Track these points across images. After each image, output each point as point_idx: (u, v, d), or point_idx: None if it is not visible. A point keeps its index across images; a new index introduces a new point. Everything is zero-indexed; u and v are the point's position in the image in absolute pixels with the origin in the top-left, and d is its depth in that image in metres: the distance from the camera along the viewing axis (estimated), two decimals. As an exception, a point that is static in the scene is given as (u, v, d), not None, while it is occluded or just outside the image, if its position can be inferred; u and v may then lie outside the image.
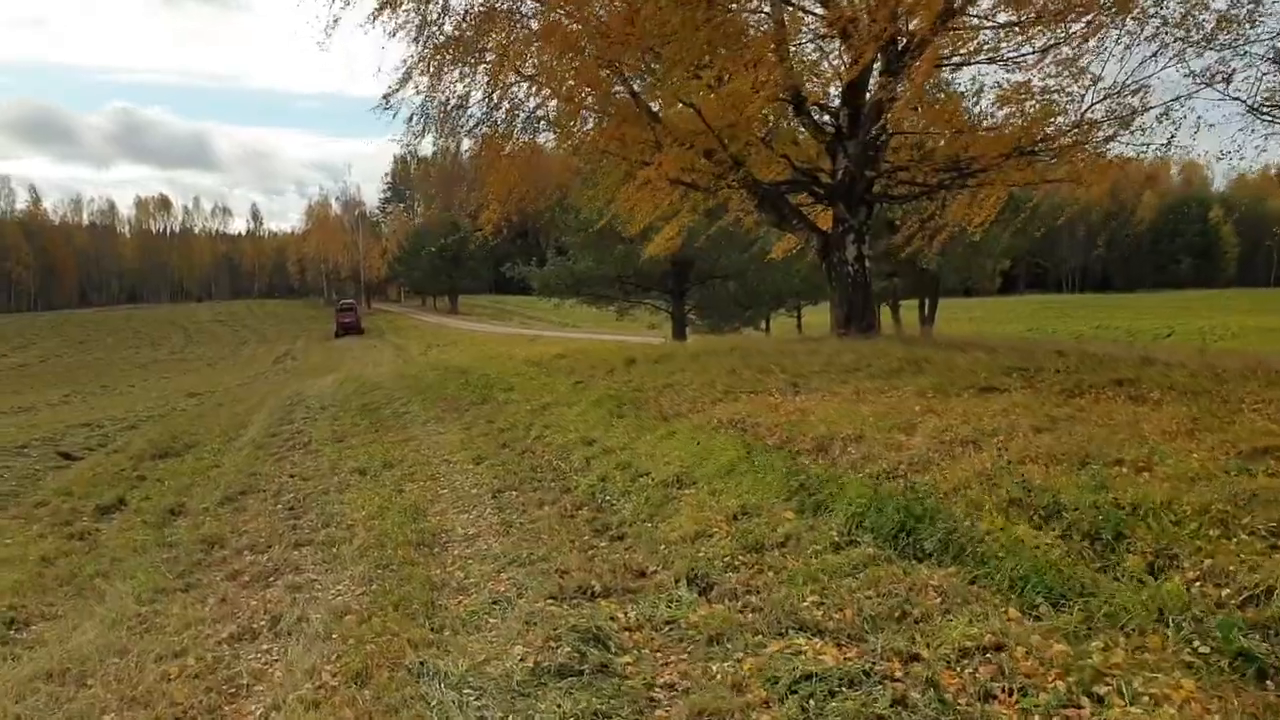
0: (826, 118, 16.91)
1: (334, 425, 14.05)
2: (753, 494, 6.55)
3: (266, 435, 14.43)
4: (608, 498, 7.36)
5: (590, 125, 16.29)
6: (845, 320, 16.64)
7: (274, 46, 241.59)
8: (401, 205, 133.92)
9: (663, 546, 5.90)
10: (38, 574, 7.35)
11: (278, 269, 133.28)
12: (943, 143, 16.50)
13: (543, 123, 17.08)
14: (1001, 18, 14.46)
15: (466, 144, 16.90)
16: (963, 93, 17.69)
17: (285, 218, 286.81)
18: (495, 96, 16.93)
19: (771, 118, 15.98)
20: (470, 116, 16.97)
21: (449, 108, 16.56)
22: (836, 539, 5.59)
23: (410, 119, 16.39)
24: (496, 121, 17.13)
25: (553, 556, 5.99)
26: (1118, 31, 14.46)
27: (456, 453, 10.37)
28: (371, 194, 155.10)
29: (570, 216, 30.87)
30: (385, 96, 16.88)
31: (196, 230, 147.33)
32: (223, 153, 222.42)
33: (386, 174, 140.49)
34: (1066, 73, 14.99)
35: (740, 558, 5.52)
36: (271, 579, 6.48)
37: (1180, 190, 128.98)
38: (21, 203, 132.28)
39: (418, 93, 16.59)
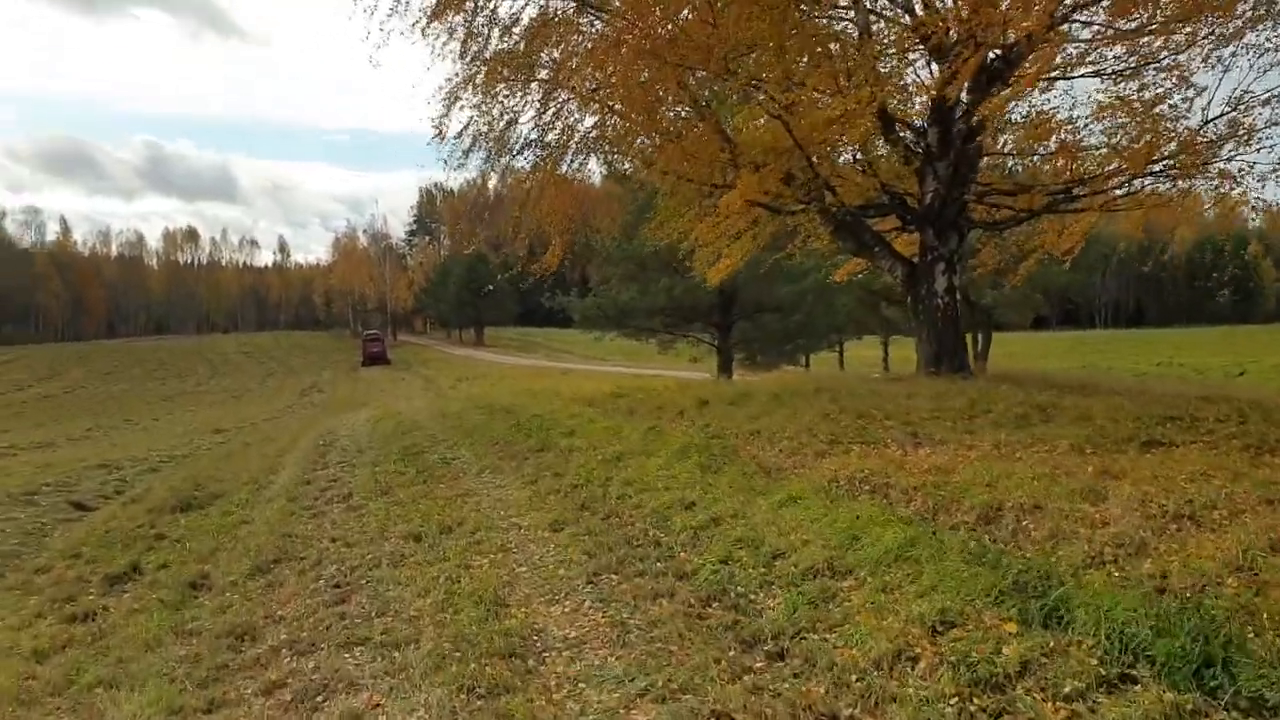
0: (909, 135, 15.48)
1: (375, 473, 12.57)
2: (944, 593, 5.00)
3: (299, 483, 12.98)
4: (740, 589, 5.80)
5: (655, 144, 14.89)
6: (935, 358, 15.11)
7: (295, 80, 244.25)
8: (427, 238, 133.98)
9: (852, 676, 4.35)
10: (25, 676, 5.88)
11: (304, 301, 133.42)
12: (1048, 165, 15.01)
13: (601, 144, 15.75)
14: (1123, 25, 12.96)
15: (520, 164, 15.50)
16: (1055, 109, 16.19)
17: (309, 250, 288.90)
18: (549, 115, 15.65)
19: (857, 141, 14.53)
20: (520, 138, 15.67)
21: (499, 129, 15.27)
22: (1102, 671, 4.04)
23: (458, 139, 15.09)
24: (550, 144, 15.84)
25: (697, 684, 4.45)
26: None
27: (525, 514, 8.86)
28: (397, 227, 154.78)
29: (611, 246, 29.52)
30: (437, 128, 15.64)
31: (223, 262, 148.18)
32: (245, 186, 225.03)
33: (413, 207, 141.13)
34: (1176, 86, 13.56)
35: (974, 699, 3.97)
36: (320, 699, 4.97)
37: (1213, 225, 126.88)
38: (51, 234, 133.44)
39: (465, 111, 15.37)
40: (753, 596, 5.64)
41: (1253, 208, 13.78)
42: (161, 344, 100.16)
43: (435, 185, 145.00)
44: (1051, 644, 4.28)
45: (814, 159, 13.14)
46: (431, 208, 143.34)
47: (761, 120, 13.64)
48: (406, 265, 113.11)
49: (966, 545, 5.67)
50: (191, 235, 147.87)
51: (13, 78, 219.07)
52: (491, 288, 78.14)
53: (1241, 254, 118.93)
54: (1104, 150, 14.07)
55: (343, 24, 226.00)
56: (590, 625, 5.51)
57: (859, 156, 14.92)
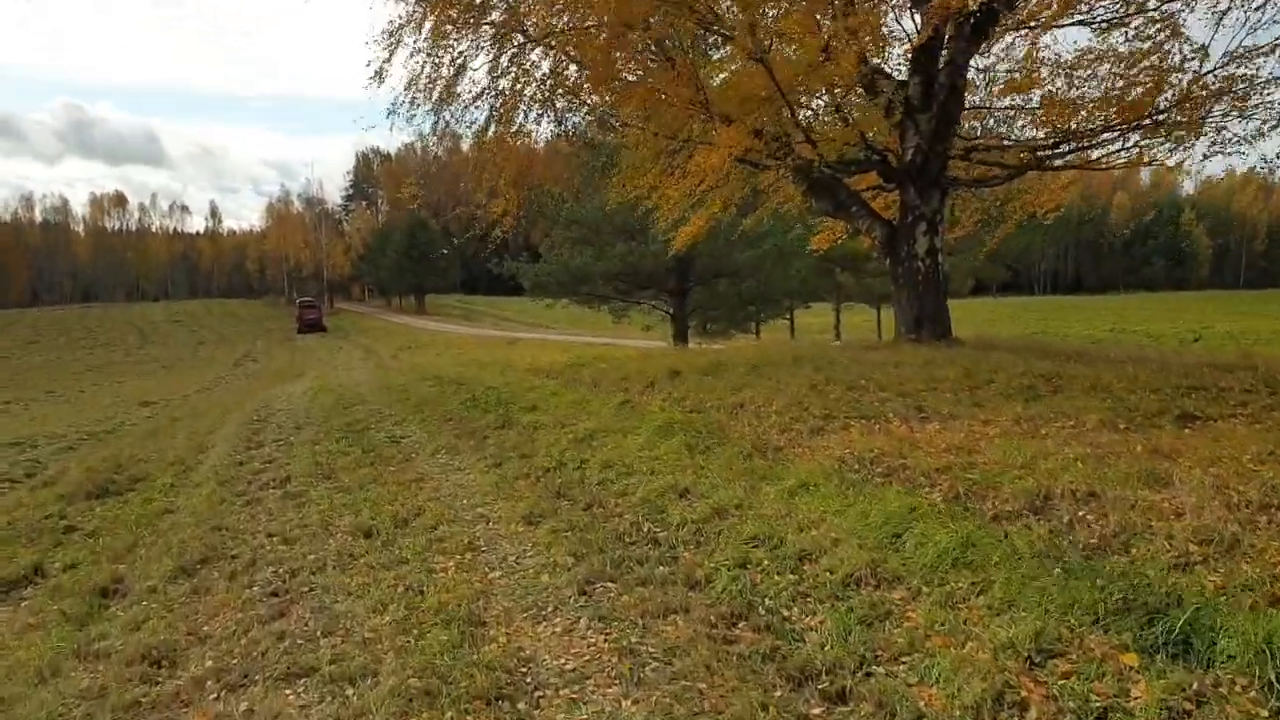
0: (889, 87, 14.53)
1: (315, 452, 11.40)
2: (1027, 610, 4.09)
3: (232, 464, 11.75)
4: (769, 603, 4.82)
5: (617, 92, 13.75)
6: (916, 323, 14.30)
7: (222, 41, 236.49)
8: (364, 203, 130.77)
9: (942, 729, 3.41)
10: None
11: (237, 268, 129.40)
12: (1032, 119, 14.19)
13: (557, 95, 14.55)
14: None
15: (473, 116, 14.22)
16: (1041, 59, 15.39)
17: (241, 216, 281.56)
18: (505, 60, 14.41)
19: (840, 87, 13.51)
20: (471, 87, 14.40)
21: (448, 75, 14.00)
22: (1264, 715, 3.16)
23: (408, 90, 13.77)
24: (503, 91, 14.59)
25: (742, 740, 3.49)
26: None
27: (493, 503, 7.79)
28: (332, 192, 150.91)
29: (562, 209, 28.29)
30: (377, 72, 14.35)
31: (153, 228, 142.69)
32: (173, 150, 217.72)
33: (348, 172, 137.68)
34: (1168, 37, 12.83)
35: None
36: (254, 759, 3.92)
37: (1150, 193, 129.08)
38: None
39: (412, 58, 14.09)
40: (786, 613, 4.67)
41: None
42: (89, 312, 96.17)
43: (372, 150, 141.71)
44: (1195, 684, 3.39)
45: (794, 108, 12.12)
46: (369, 172, 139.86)
47: (735, 66, 12.57)
48: (344, 231, 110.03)
49: (1034, 546, 4.77)
50: (119, 200, 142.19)
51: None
52: (446, 252, 76.19)
53: (1176, 221, 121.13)
54: (1094, 102, 13.28)
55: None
56: (591, 653, 4.49)
57: (838, 109, 13.92)
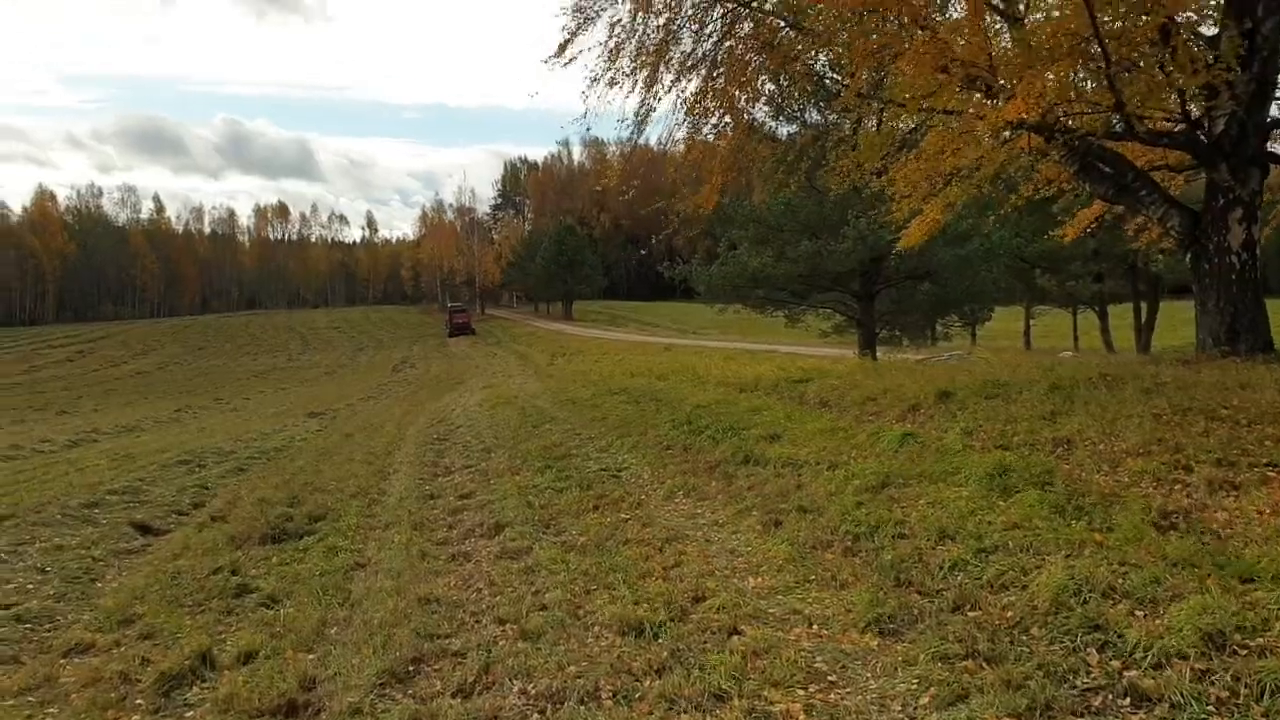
0: (1198, 43, 11.74)
1: (520, 487, 9.54)
2: None
3: (421, 497, 10.04)
4: None
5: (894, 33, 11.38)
6: (1230, 334, 11.49)
7: (365, 56, 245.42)
8: (512, 211, 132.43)
9: None
10: None
11: (392, 276, 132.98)
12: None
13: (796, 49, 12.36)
14: None
15: (687, 85, 12.19)
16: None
17: (391, 226, 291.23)
18: (714, 28, 12.40)
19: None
20: (682, 54, 12.41)
21: (656, 39, 12.04)
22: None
23: (609, 48, 11.86)
24: (717, 61, 12.55)
25: None
26: None
27: (802, 588, 5.61)
28: (480, 202, 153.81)
29: (739, 206, 26.08)
30: (561, 46, 12.56)
31: (312, 238, 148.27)
32: (324, 163, 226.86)
33: (496, 181, 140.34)
34: None
35: None
36: None
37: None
38: (146, 212, 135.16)
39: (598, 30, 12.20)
40: None
41: None
42: (254, 319, 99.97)
43: (520, 159, 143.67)
44: None
45: (1109, 58, 9.54)
46: (516, 181, 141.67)
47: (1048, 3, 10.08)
48: (493, 239, 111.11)
49: None
50: (282, 211, 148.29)
51: (89, 61, 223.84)
52: (671, 263, 75.91)
53: None
54: None
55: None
56: None
57: (1162, 65, 11.22)
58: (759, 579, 5.84)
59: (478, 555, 7.32)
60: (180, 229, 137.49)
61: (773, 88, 15.69)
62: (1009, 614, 4.77)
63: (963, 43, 9.75)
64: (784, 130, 28.53)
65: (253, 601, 6.88)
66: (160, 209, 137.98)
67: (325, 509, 9.84)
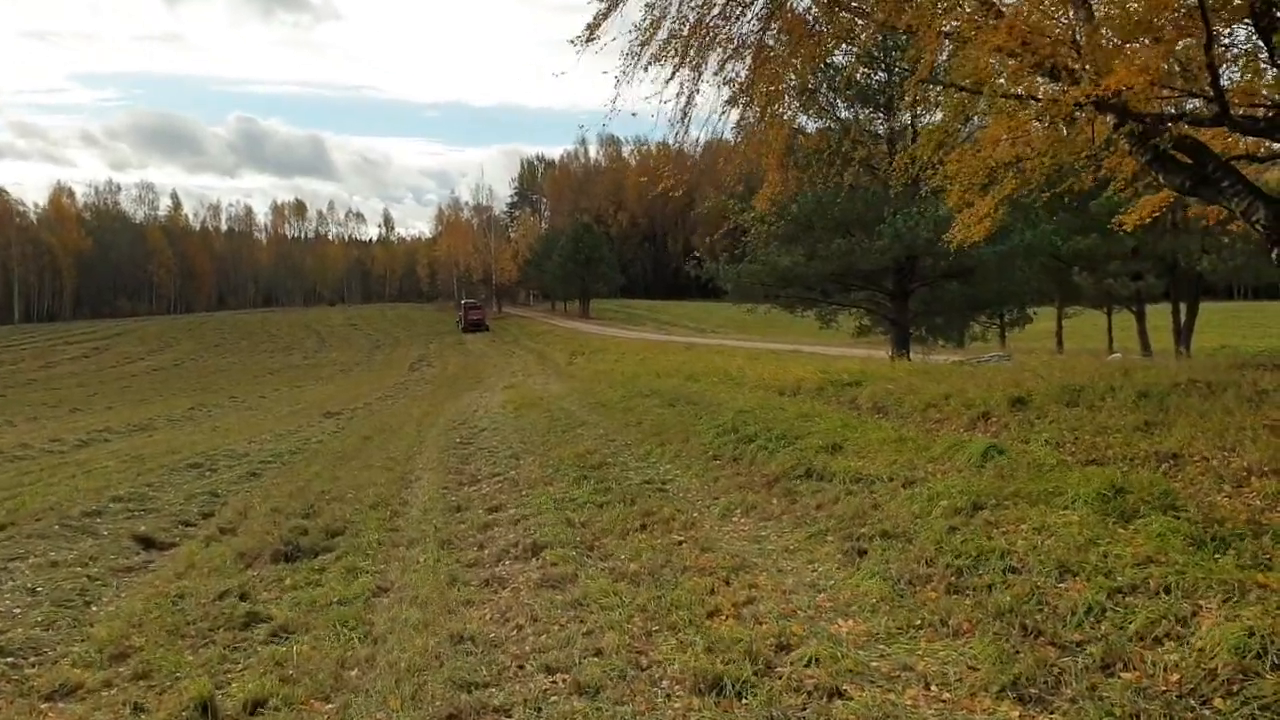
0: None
1: (556, 500, 8.72)
2: None
3: (447, 509, 9.24)
4: None
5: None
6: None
7: (377, 54, 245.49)
8: (529, 209, 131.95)
9: None
10: None
11: (408, 273, 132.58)
12: None
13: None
14: None
15: (733, 71, 11.30)
16: None
17: (405, 223, 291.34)
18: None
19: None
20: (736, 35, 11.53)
21: (708, 16, 11.16)
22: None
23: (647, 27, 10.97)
24: (765, 43, 11.67)
25: None
26: None
27: (905, 635, 4.75)
28: (496, 200, 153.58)
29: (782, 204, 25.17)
30: (589, 27, 11.68)
31: (329, 236, 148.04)
32: (338, 161, 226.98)
33: (513, 179, 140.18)
34: None
35: None
36: None
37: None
38: (163, 209, 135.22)
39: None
40: None
41: None
42: (270, 316, 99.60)
43: (537, 157, 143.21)
44: None
45: (1212, 34, 8.64)
46: (533, 179, 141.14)
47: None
48: (510, 237, 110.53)
49: None
50: (299, 209, 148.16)
51: (102, 59, 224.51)
52: (699, 262, 74.81)
53: None
54: None
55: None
56: None
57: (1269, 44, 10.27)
58: (852, 622, 4.98)
59: (514, 581, 6.49)
60: (197, 226, 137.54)
61: (811, 80, 14.84)
62: (1175, 678, 3.91)
63: (1049, 22, 8.86)
64: (812, 126, 27.60)
65: (263, 633, 6.09)
66: (177, 206, 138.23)
67: (343, 521, 9.05)
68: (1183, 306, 33.01)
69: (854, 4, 11.28)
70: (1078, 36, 9.08)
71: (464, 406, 20.83)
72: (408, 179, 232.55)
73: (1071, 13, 9.00)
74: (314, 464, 13.60)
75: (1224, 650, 3.91)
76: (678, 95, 11.71)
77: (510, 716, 4.37)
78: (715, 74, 11.55)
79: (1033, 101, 10.70)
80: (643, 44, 11.36)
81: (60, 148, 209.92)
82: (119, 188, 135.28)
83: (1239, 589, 4.50)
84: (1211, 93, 9.40)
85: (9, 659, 5.92)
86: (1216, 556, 4.94)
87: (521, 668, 4.94)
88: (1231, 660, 3.84)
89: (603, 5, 11.75)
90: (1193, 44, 9.08)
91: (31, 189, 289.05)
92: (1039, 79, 10.52)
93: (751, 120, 12.02)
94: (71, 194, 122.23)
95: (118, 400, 38.63)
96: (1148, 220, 15.28)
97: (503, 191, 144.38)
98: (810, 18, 11.16)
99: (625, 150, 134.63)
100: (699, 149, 15.04)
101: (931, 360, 20.36)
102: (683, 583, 5.87)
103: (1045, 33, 8.87)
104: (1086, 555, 5.19)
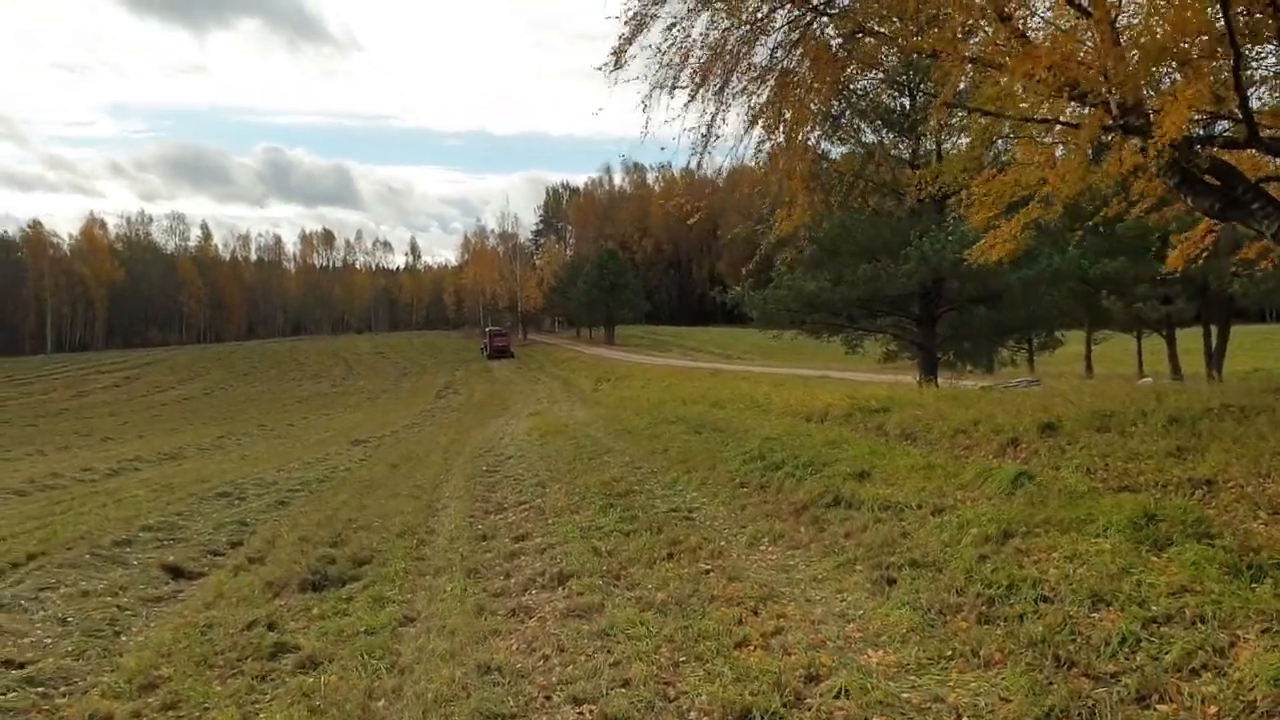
0: None
1: (582, 528, 8.70)
2: None
3: (474, 538, 9.24)
4: None
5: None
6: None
7: (399, 84, 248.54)
8: (554, 236, 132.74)
9: None
10: None
11: (434, 301, 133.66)
12: None
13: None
14: None
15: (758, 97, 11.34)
16: None
17: (430, 252, 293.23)
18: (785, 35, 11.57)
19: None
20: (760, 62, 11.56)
21: (732, 44, 11.21)
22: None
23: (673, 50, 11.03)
24: (789, 69, 11.71)
25: None
26: None
27: (937, 668, 4.67)
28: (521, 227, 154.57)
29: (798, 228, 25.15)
30: (614, 54, 11.76)
31: (357, 264, 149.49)
32: (363, 190, 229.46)
33: (538, 207, 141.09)
34: None
35: None
36: None
37: None
38: (193, 239, 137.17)
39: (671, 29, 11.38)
40: None
41: None
42: (299, 345, 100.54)
43: (562, 184, 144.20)
44: None
45: (1240, 61, 8.59)
46: (557, 206, 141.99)
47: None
48: (535, 264, 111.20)
49: None
50: (327, 238, 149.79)
51: (129, 91, 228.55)
52: (724, 288, 75.03)
53: None
54: None
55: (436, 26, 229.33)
56: None
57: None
58: (882, 653, 4.93)
59: (541, 611, 6.47)
60: (226, 256, 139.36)
61: (835, 105, 14.87)
62: (1213, 710, 3.83)
63: (1075, 46, 8.84)
64: (836, 151, 27.59)
65: (290, 663, 6.09)
66: (207, 236, 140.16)
67: (370, 550, 9.07)
68: (1214, 330, 32.67)
69: (878, 29, 11.32)
70: (1106, 66, 9.04)
71: (490, 434, 20.88)
72: (428, 207, 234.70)
73: (1099, 38, 8.96)
74: (341, 492, 13.67)
75: (1263, 682, 3.83)
76: (699, 120, 11.77)
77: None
78: (737, 98, 11.60)
79: (1059, 125, 10.67)
80: (665, 69, 11.42)
81: (90, 179, 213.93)
82: (150, 219, 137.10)
83: (1278, 618, 4.41)
84: (1240, 115, 9.32)
85: (40, 689, 5.96)
86: (1254, 585, 4.85)
87: (548, 699, 4.92)
88: (1271, 692, 3.76)
89: (626, 30, 11.85)
90: (1221, 66, 9.02)
91: (63, 220, 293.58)
92: (1067, 104, 10.50)
93: (776, 146, 12.05)
94: (104, 225, 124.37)
95: (148, 429, 39.06)
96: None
97: (527, 218, 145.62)
98: (833, 44, 11.19)
99: (650, 176, 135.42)
100: (722, 175, 15.07)
101: (960, 385, 20.23)
102: (710, 612, 5.83)
103: (1073, 58, 8.84)
104: (1120, 584, 5.11)
